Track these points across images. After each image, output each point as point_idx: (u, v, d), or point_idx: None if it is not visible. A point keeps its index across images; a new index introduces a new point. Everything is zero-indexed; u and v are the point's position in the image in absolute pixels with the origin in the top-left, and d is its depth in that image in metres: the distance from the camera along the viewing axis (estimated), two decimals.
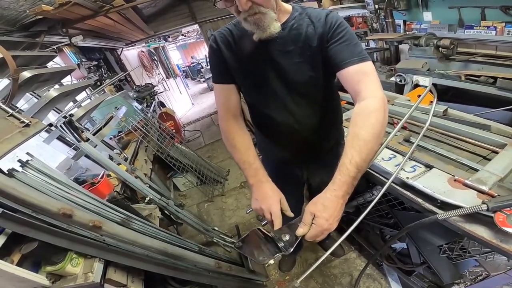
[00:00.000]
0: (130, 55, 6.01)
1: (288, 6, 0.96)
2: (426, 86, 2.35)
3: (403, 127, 1.48)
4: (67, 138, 2.25)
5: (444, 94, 2.40)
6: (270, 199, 0.89)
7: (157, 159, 3.00)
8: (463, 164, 1.14)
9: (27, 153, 1.29)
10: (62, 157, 2.37)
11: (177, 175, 3.33)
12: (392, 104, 1.74)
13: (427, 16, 2.97)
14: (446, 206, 0.93)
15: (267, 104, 1.03)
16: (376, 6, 3.08)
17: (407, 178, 1.08)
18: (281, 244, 0.75)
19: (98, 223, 0.96)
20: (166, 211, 1.91)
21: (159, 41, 7.55)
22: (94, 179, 1.74)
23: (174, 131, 3.94)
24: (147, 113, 3.58)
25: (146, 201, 1.77)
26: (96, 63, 4.27)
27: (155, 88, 5.08)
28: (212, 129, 5.43)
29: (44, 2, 1.95)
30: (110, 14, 2.63)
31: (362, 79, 0.80)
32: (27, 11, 1.83)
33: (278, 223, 0.83)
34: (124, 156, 2.39)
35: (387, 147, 1.27)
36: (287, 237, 0.75)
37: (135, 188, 1.80)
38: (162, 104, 5.59)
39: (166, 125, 3.84)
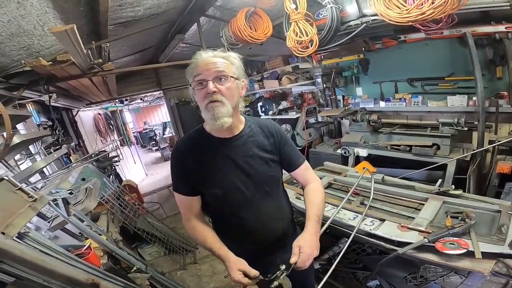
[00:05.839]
0: (86, 116, 5.60)
1: (242, 118, 1.14)
2: (364, 156, 2.99)
3: (357, 193, 1.93)
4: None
5: (378, 161, 2.94)
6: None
7: (122, 230, 2.90)
8: (403, 215, 1.61)
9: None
10: None
11: (143, 246, 3.26)
12: (345, 176, 2.20)
13: (359, 91, 3.60)
14: (401, 244, 1.32)
15: (234, 206, 1.11)
16: (324, 85, 3.70)
17: (370, 229, 1.47)
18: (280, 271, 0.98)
19: None
20: (150, 280, 1.85)
21: (117, 103, 7.15)
22: (78, 250, 1.66)
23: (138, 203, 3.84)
24: (113, 183, 3.51)
25: (133, 270, 1.73)
26: (51, 123, 3.90)
27: (115, 158, 4.89)
28: (172, 201, 5.15)
29: (40, 54, 1.83)
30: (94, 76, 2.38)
31: (307, 172, 1.27)
32: (23, 61, 1.66)
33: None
34: (99, 228, 2.29)
35: (350, 210, 1.69)
36: (283, 267, 0.99)
37: (121, 258, 1.77)
38: (117, 175, 5.25)
39: (133, 196, 3.77)
